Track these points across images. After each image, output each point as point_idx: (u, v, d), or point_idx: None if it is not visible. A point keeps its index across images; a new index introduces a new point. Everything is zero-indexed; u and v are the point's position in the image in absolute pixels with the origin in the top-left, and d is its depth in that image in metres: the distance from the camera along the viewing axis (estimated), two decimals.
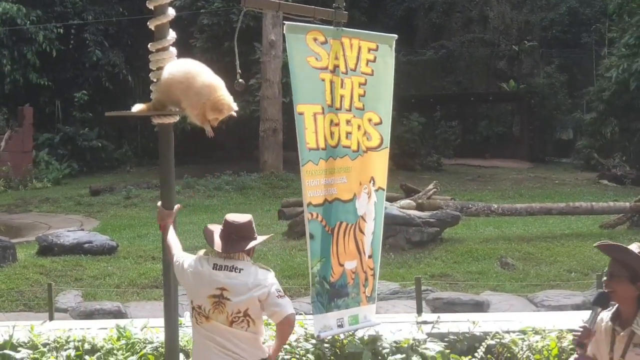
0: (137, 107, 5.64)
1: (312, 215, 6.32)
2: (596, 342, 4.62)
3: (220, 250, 5.23)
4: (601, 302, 4.62)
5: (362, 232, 6.70)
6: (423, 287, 10.66)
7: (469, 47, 40.56)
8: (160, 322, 6.10)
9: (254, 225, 5.40)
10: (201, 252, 5.41)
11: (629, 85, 27.52)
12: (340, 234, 6.52)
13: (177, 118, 5.61)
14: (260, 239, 5.51)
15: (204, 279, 5.16)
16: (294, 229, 16.01)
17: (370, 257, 6.85)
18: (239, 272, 5.17)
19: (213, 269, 5.18)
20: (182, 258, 5.34)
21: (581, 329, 4.54)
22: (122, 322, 8.28)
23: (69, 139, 32.36)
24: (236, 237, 5.28)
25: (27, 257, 14.35)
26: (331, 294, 6.53)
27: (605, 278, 4.67)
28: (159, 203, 5.65)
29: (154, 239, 15.95)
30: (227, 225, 5.35)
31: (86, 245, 14.62)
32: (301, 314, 8.69)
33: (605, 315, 4.64)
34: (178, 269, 5.33)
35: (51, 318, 9.74)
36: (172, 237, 5.52)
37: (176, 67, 5.36)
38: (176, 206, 5.64)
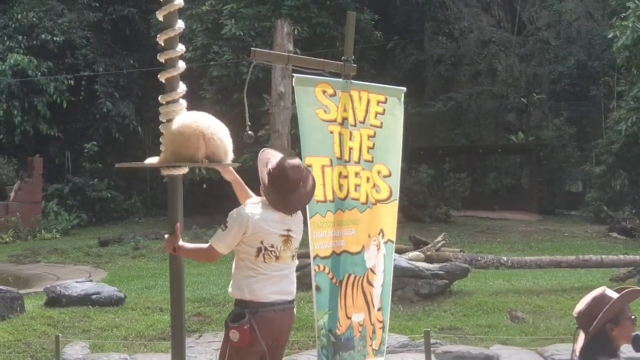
0: (150, 160, 5.68)
1: (319, 267, 6.29)
2: None
3: (289, 215, 5.69)
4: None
5: (371, 284, 6.65)
6: (432, 340, 10.59)
7: (477, 99, 40.68)
8: None
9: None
10: (255, 200, 5.81)
11: (639, 138, 27.55)
12: (349, 287, 6.48)
13: (186, 170, 5.62)
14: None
15: (276, 221, 5.60)
16: (302, 280, 15.85)
17: (379, 309, 6.80)
18: (295, 213, 5.77)
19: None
20: (233, 216, 5.67)
21: None
22: None
23: (78, 190, 32.45)
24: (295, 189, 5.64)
25: (35, 308, 14.31)
26: (336, 347, 6.47)
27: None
28: (167, 236, 5.70)
29: (162, 290, 15.90)
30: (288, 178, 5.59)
31: (94, 296, 14.57)
32: None
33: None
34: (239, 222, 5.63)
35: None
36: (190, 244, 5.83)
37: (185, 121, 5.39)
38: (176, 225, 5.64)
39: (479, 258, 17.54)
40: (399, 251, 16.72)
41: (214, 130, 5.42)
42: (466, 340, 11.92)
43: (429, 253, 17.10)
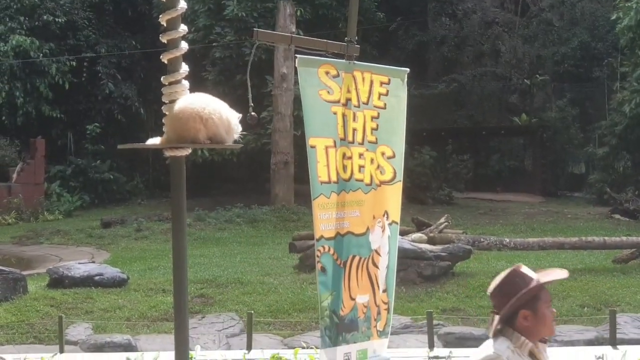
0: (153, 141, 5.64)
1: (323, 248, 6.26)
2: None
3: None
4: None
5: (376, 266, 6.63)
6: (435, 322, 10.61)
7: (480, 80, 40.58)
8: (171, 355, 6.07)
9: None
10: None
11: None
12: (353, 268, 6.45)
13: (189, 151, 5.60)
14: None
15: None
16: (305, 262, 15.98)
17: (384, 291, 6.78)
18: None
19: None
20: None
21: None
22: (132, 355, 8.25)
23: (80, 171, 32.48)
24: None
25: (38, 289, 14.34)
26: (340, 328, 6.45)
27: None
28: None
29: (165, 271, 15.93)
30: None
31: (97, 277, 14.59)
32: (312, 348, 8.66)
33: None
34: None
35: (61, 351, 9.73)
36: None
37: (190, 102, 5.36)
38: None
39: (482, 240, 17.54)
40: (402, 233, 16.66)
41: (211, 110, 5.35)
42: (468, 321, 11.94)
43: (431, 235, 17.10)
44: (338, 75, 6.27)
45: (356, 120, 6.39)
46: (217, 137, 5.37)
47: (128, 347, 10.64)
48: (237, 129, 5.50)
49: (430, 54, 41.94)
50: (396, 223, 6.83)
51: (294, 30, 26.27)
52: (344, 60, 6.37)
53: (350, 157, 6.35)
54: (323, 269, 6.24)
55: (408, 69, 6.90)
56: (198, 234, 22.82)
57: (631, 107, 28.06)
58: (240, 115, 5.48)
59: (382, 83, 6.60)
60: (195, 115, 5.27)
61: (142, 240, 22.62)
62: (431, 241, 16.34)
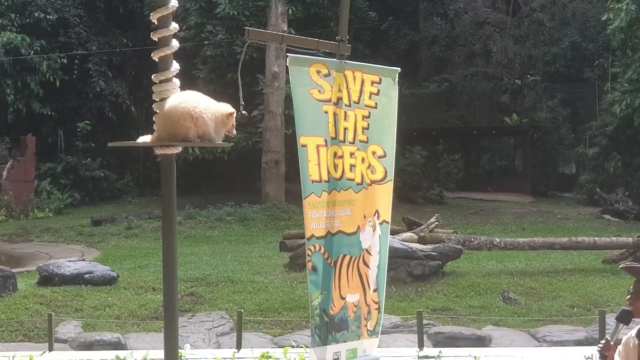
0: (143, 139, 5.63)
1: (314, 247, 6.25)
2: (626, 357, 4.89)
3: None
4: (623, 318, 4.99)
5: (366, 265, 6.62)
6: (425, 321, 10.62)
7: (471, 80, 40.60)
8: (161, 354, 6.06)
9: None
10: None
11: (633, 121, 27.58)
12: (344, 267, 6.44)
13: (180, 149, 5.59)
14: None
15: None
16: (295, 261, 15.97)
17: (375, 290, 6.78)
18: None
19: None
20: None
21: (603, 342, 4.94)
22: (121, 353, 8.24)
23: (71, 169, 32.38)
24: None
25: (28, 287, 14.31)
26: (330, 327, 6.45)
27: (629, 296, 5.02)
28: None
29: (155, 269, 15.91)
30: None
31: (87, 275, 14.57)
32: (302, 347, 8.66)
33: (633, 332, 4.93)
34: None
35: (51, 349, 9.72)
36: None
37: (179, 100, 5.35)
38: None
39: (472, 239, 17.54)
40: (392, 232, 16.61)
41: (202, 108, 5.35)
42: (458, 321, 11.96)
43: (422, 234, 17.10)
44: (329, 74, 6.26)
45: (347, 119, 6.38)
46: (207, 135, 5.37)
47: (118, 346, 10.64)
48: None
49: (421, 54, 41.95)
50: (387, 222, 6.83)
51: (285, 29, 26.26)
52: (335, 59, 6.37)
53: (341, 156, 6.34)
54: (314, 268, 6.24)
55: (399, 69, 6.90)
56: (188, 232, 22.79)
57: (622, 108, 28.08)
58: None
59: (373, 82, 6.60)
60: (186, 114, 5.26)
61: (132, 238, 22.57)
62: (421, 241, 16.34)
